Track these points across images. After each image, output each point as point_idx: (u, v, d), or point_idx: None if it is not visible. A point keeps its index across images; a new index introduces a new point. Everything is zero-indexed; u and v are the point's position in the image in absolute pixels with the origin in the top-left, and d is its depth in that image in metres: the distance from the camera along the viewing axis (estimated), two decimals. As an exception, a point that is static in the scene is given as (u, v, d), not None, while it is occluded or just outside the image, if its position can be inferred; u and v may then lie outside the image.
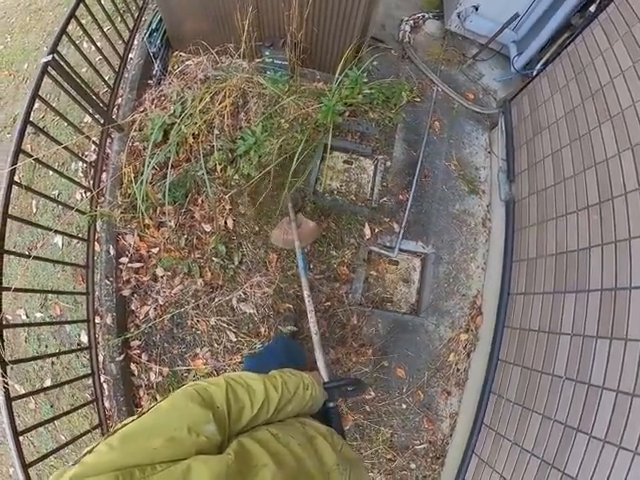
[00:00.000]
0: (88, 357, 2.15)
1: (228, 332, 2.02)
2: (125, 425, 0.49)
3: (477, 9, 2.31)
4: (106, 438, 0.46)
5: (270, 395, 0.67)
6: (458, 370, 2.14)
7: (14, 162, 1.63)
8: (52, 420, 1.87)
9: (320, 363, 1.17)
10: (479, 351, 2.13)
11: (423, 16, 2.60)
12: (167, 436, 0.48)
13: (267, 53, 2.20)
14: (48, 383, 2.22)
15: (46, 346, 2.23)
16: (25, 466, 1.47)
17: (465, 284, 2.18)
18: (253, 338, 2.01)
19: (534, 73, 2.19)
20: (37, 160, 1.80)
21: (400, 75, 2.42)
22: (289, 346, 1.75)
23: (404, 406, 2.10)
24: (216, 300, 2.03)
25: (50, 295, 2.24)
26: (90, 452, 0.45)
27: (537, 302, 1.79)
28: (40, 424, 1.72)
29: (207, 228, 2.07)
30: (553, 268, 1.75)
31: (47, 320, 2.25)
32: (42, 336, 2.24)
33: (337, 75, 2.02)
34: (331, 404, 0.95)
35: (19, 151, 1.65)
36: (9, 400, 1.50)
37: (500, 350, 1.94)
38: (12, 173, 1.63)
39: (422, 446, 2.12)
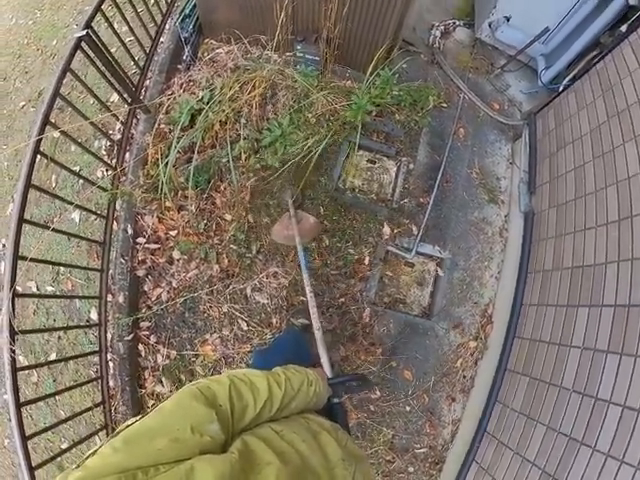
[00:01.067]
0: (96, 334, 2.23)
1: (240, 320, 2.10)
2: (128, 426, 0.50)
3: (509, 20, 2.41)
4: (109, 440, 0.48)
5: (274, 393, 0.69)
6: (464, 377, 2.22)
7: (41, 132, 1.70)
8: (55, 394, 1.92)
9: (324, 359, 1.19)
10: (487, 360, 2.21)
11: (454, 23, 2.71)
12: (171, 437, 0.49)
13: (299, 47, 2.29)
14: (53, 357, 2.30)
15: (54, 320, 2.31)
16: (24, 438, 1.51)
17: (478, 292, 2.27)
18: (264, 328, 2.09)
19: (560, 88, 2.28)
20: (63, 132, 1.88)
21: (428, 79, 2.52)
22: (297, 340, 1.82)
23: (408, 408, 2.18)
24: (230, 287, 2.11)
25: (62, 270, 2.32)
26: (93, 454, 0.46)
27: (550, 314, 1.87)
28: (43, 397, 1.77)
29: (227, 217, 2.16)
30: (568, 281, 1.83)
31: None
32: (51, 310, 2.32)
33: (368, 74, 2.11)
34: (336, 400, 0.97)
35: (46, 122, 1.71)
36: (15, 371, 1.54)
37: (509, 359, 2.01)
38: (38, 142, 1.70)
39: (422, 450, 2.19)
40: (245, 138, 2.18)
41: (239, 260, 2.12)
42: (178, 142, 2.05)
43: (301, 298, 2.12)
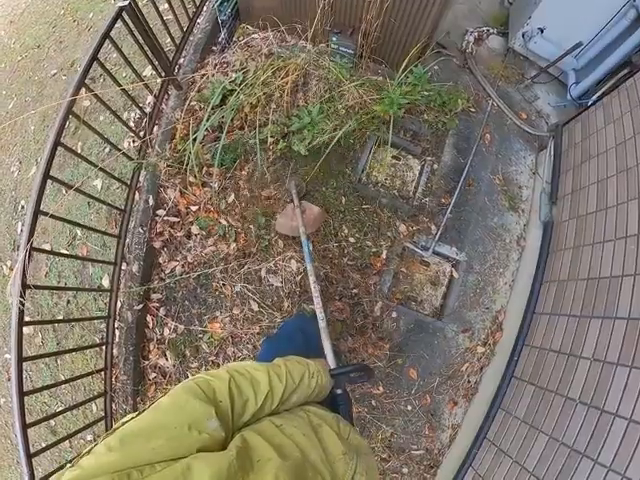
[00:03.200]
0: (106, 301, 2.33)
1: (251, 301, 2.19)
2: (124, 424, 0.51)
3: (542, 31, 2.53)
4: (104, 438, 0.49)
5: (274, 386, 0.70)
6: (469, 382, 2.29)
7: (76, 92, 1.81)
8: (58, 354, 1.96)
9: (327, 349, 1.22)
10: (493, 367, 2.28)
11: (488, 30, 2.83)
12: (167, 435, 0.50)
13: (334, 39, 2.41)
14: (60, 321, 2.39)
15: (65, 284, 2.41)
16: (22, 394, 1.56)
17: (491, 298, 2.35)
18: (275, 311, 2.18)
19: (589, 104, 2.39)
20: (97, 97, 1.99)
21: (458, 83, 2.64)
22: (306, 326, 1.90)
23: (409, 408, 2.25)
24: (245, 267, 2.20)
25: (79, 235, 2.42)
26: (88, 453, 0.47)
27: (562, 324, 1.95)
28: (46, 355, 1.85)
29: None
30: (583, 292, 1.91)
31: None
32: (63, 274, 2.42)
33: (401, 71, 2.23)
34: (338, 391, 0.99)
35: (83, 83, 1.80)
36: (21, 324, 1.59)
37: (516, 367, 2.09)
38: (72, 103, 1.80)
39: (418, 452, 2.26)
40: (274, 122, 2.29)
41: (257, 241, 2.21)
42: (208, 120, 2.16)
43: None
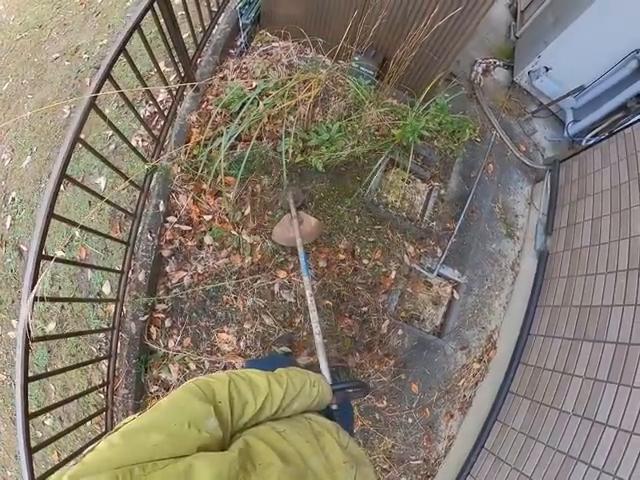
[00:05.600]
0: (105, 309, 2.26)
1: (263, 315, 2.22)
2: (126, 423, 0.54)
3: (548, 70, 2.77)
4: (107, 436, 0.51)
5: (274, 391, 0.74)
6: (464, 396, 2.48)
7: (100, 86, 1.73)
8: (64, 370, 1.74)
9: (322, 365, 1.21)
10: (487, 382, 2.49)
11: (494, 62, 3.05)
12: (167, 432, 0.52)
13: (356, 59, 2.49)
14: (52, 327, 2.28)
15: (59, 288, 2.29)
16: (28, 416, 1.46)
17: (487, 318, 2.56)
18: (286, 327, 2.22)
19: (583, 142, 2.67)
20: (122, 95, 1.90)
21: (466, 113, 2.81)
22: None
23: (410, 420, 2.40)
24: (259, 282, 2.22)
25: (77, 236, 2.31)
26: (92, 451, 0.49)
27: (556, 345, 2.18)
28: (51, 373, 1.70)
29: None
30: (576, 317, 2.14)
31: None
32: (57, 276, 2.30)
33: (422, 99, 2.35)
34: (334, 407, 1.02)
35: (106, 77, 1.68)
36: (27, 342, 1.46)
37: (512, 382, 2.30)
38: (94, 99, 1.73)
39: (416, 462, 2.41)
40: (293, 136, 2.33)
41: (272, 256, 2.24)
42: (235, 130, 2.14)
43: (327, 302, 2.28)
